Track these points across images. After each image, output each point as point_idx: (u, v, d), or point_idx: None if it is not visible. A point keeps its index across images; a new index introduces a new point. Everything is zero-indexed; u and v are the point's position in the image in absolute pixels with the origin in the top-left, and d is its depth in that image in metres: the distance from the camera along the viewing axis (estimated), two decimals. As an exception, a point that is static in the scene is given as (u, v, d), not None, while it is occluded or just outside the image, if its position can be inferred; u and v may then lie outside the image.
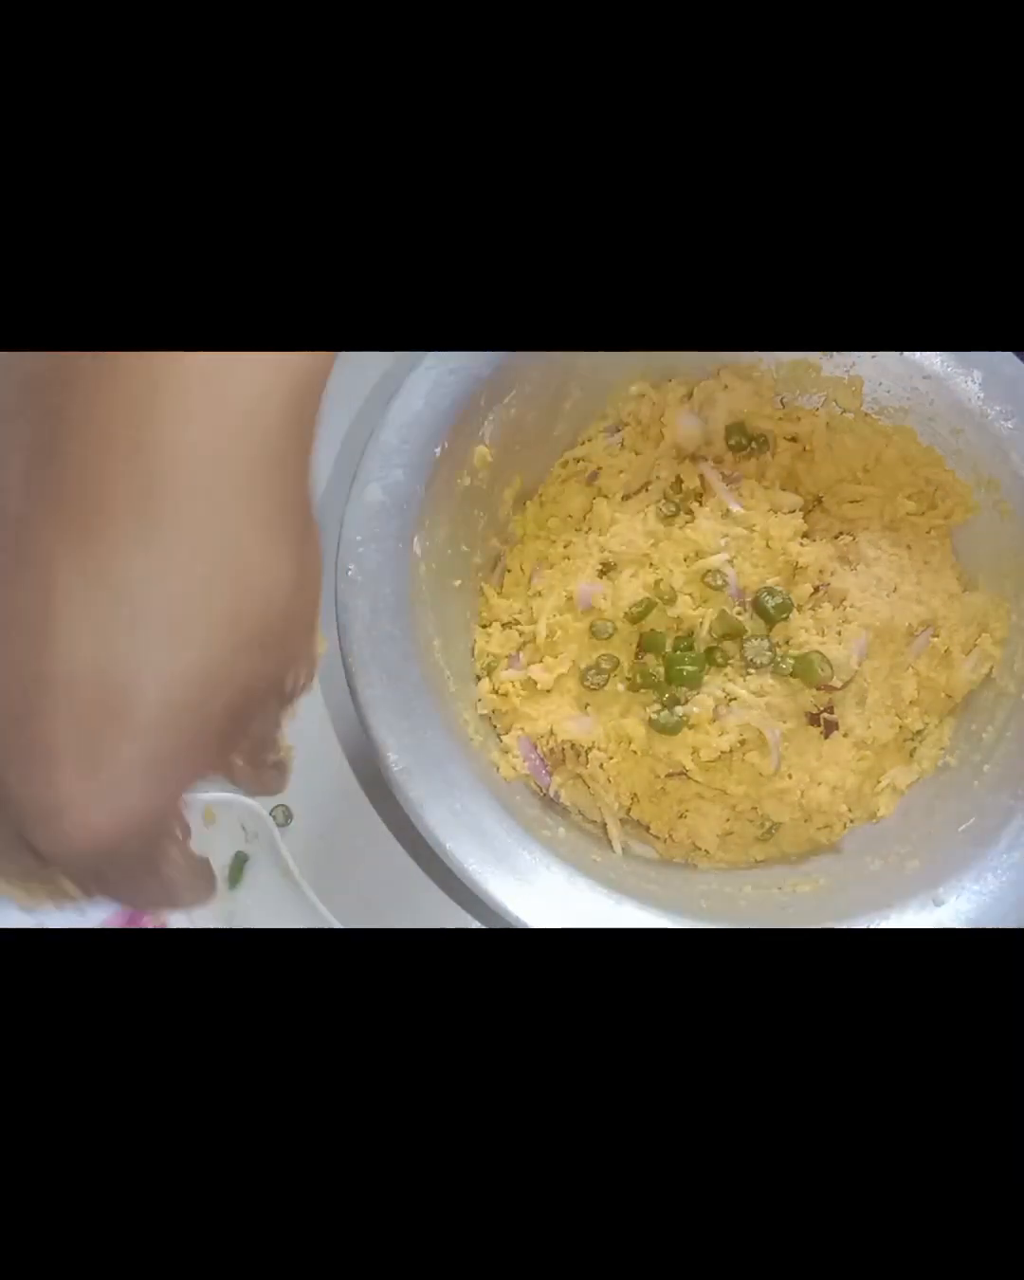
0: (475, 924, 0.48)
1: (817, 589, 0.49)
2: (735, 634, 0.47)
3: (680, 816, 0.48)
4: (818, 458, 0.52)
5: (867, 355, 0.50)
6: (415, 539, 0.45)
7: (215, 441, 0.24)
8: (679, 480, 0.51)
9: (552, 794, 0.48)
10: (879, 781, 0.49)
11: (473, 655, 0.49)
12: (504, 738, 0.47)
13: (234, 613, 0.26)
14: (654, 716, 0.45)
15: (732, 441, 0.52)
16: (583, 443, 0.52)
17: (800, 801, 0.47)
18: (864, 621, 0.48)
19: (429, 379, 0.46)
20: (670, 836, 0.48)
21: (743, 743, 0.46)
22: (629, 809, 0.48)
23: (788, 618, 0.47)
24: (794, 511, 0.50)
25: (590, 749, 0.47)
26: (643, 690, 0.46)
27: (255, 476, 0.25)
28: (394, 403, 0.46)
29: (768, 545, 0.48)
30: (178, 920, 0.43)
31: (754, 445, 0.52)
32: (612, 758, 0.47)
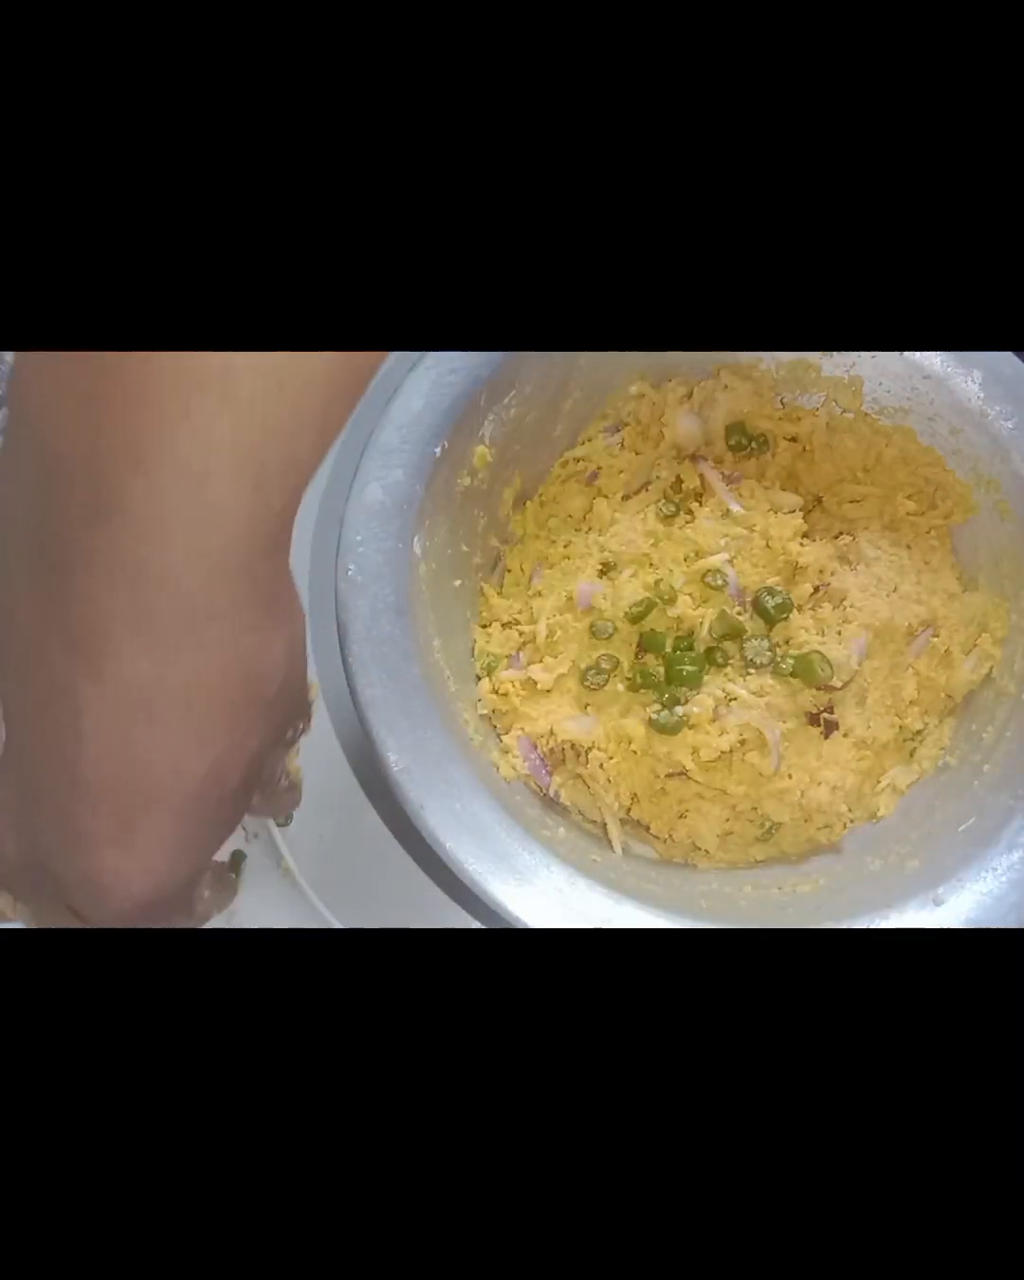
0: (475, 924, 0.48)
1: (817, 589, 0.49)
2: (735, 634, 0.47)
3: (680, 816, 0.48)
4: (818, 458, 0.52)
5: (867, 355, 0.50)
6: (415, 539, 0.45)
7: (206, 560, 0.26)
8: (679, 480, 0.51)
9: (552, 794, 0.48)
10: (879, 781, 0.49)
11: (473, 655, 0.49)
12: (504, 738, 0.47)
13: (238, 699, 0.29)
14: (654, 716, 0.45)
15: (731, 441, 0.52)
16: (583, 443, 0.52)
17: (800, 801, 0.47)
18: (864, 621, 0.48)
19: (429, 379, 0.46)
20: (670, 836, 0.48)
21: (743, 743, 0.46)
22: (629, 809, 0.48)
23: (788, 618, 0.47)
24: (794, 511, 0.50)
25: (590, 749, 0.47)
26: (643, 690, 0.46)
27: (243, 578, 0.27)
28: (394, 402, 0.46)
29: (768, 545, 0.48)
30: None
31: (754, 445, 0.52)
32: (612, 758, 0.46)
